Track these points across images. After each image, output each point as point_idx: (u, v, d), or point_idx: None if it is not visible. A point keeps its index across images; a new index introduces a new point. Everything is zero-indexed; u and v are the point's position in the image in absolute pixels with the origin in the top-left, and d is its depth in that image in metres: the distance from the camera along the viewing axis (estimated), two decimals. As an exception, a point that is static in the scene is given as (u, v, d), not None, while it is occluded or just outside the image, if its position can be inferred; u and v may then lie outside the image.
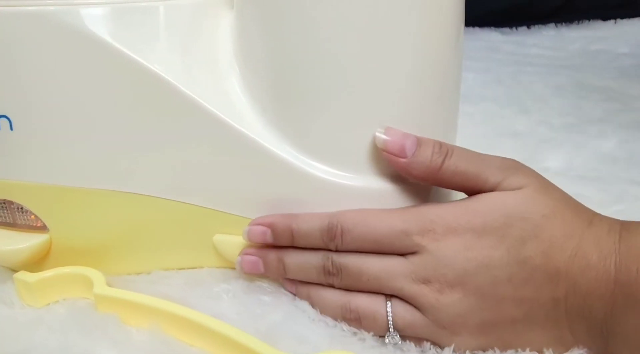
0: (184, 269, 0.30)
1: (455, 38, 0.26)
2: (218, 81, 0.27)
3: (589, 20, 0.98)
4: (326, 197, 0.26)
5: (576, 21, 0.98)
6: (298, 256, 0.26)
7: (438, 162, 0.24)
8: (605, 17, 0.96)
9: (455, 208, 0.24)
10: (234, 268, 0.30)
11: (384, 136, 0.25)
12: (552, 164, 0.41)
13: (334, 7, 0.24)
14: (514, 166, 0.24)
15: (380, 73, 0.25)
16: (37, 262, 0.28)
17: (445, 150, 0.24)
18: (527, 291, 0.23)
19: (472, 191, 0.24)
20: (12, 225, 0.28)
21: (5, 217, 0.28)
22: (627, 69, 0.67)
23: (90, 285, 0.26)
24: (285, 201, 0.27)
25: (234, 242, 0.28)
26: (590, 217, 0.23)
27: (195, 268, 0.30)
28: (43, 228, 0.28)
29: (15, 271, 0.28)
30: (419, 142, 0.25)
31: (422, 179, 0.25)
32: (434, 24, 0.25)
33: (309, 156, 0.26)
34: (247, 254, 0.27)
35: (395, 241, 0.24)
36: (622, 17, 0.95)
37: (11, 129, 0.25)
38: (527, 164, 0.41)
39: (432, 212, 0.24)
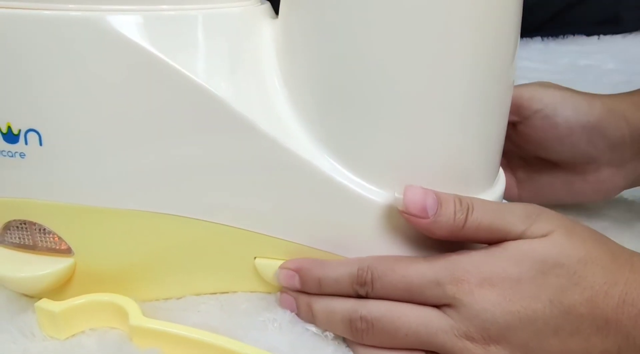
0: (215, 293, 0.28)
1: (512, 55, 0.26)
2: (265, 96, 0.25)
3: (574, 35, 1.01)
4: (374, 220, 0.25)
5: (561, 36, 1.01)
6: (326, 304, 0.25)
7: (461, 220, 0.23)
8: (588, 33, 0.99)
9: (487, 257, 0.23)
10: (268, 292, 0.28)
11: (403, 197, 0.23)
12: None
13: (386, 24, 0.23)
14: (536, 212, 0.24)
15: (436, 90, 0.24)
16: (59, 288, 0.26)
17: (467, 205, 0.23)
18: (576, 344, 0.22)
19: (495, 243, 0.24)
20: (31, 248, 0.25)
21: (24, 239, 0.25)
22: (618, 86, 0.69)
23: (122, 314, 0.24)
24: (332, 223, 0.26)
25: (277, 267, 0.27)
26: (629, 258, 0.23)
27: (228, 292, 0.28)
28: (67, 251, 0.25)
29: (34, 298, 0.25)
30: (440, 200, 0.23)
31: (445, 237, 0.24)
32: (490, 43, 0.24)
33: (360, 176, 0.25)
34: (282, 292, 0.27)
35: (426, 291, 0.23)
36: (604, 34, 0.98)
37: (40, 144, 0.23)
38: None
39: (464, 261, 0.23)
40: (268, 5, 0.30)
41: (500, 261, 0.23)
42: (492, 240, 0.24)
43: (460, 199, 0.24)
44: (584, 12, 1.01)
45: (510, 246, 0.23)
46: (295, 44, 0.26)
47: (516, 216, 0.23)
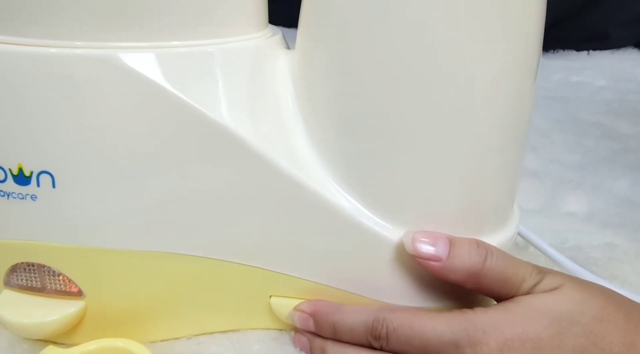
0: (227, 332, 0.28)
1: (530, 99, 0.25)
2: (283, 132, 0.25)
3: (564, 50, 1.02)
4: (391, 259, 0.25)
5: (552, 50, 1.02)
6: (340, 351, 0.24)
7: (479, 263, 0.23)
8: (578, 49, 1.01)
9: (503, 314, 0.22)
10: (281, 329, 0.28)
11: (412, 241, 0.23)
12: (575, 208, 0.41)
13: (408, 67, 0.22)
14: (544, 268, 0.24)
15: (457, 133, 0.23)
16: (68, 331, 0.25)
17: (485, 250, 0.23)
18: None
19: (506, 296, 0.23)
20: (39, 290, 0.24)
21: (32, 281, 0.24)
22: (611, 103, 0.70)
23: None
24: (349, 261, 0.25)
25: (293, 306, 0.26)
26: None
27: (239, 329, 0.28)
28: (78, 294, 0.24)
29: (41, 341, 0.24)
30: (452, 243, 0.23)
31: (461, 282, 0.23)
32: (509, 92, 0.24)
33: (378, 214, 0.24)
34: (297, 331, 0.26)
35: (443, 351, 0.22)
36: (594, 49, 1.00)
37: (53, 186, 0.22)
38: (552, 208, 0.42)
39: (481, 321, 0.22)
40: (281, 35, 0.29)
41: (518, 319, 0.22)
42: (504, 292, 0.23)
43: (477, 243, 0.23)
44: (573, 29, 1.03)
45: (523, 302, 0.22)
46: (314, 79, 0.25)
47: (528, 269, 0.23)
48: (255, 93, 0.25)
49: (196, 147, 0.23)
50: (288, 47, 0.29)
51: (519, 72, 0.23)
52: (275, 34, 0.29)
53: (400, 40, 0.22)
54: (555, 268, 0.34)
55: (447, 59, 0.22)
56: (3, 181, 0.22)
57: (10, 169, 0.22)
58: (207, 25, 0.24)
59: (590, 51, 0.95)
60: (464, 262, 0.23)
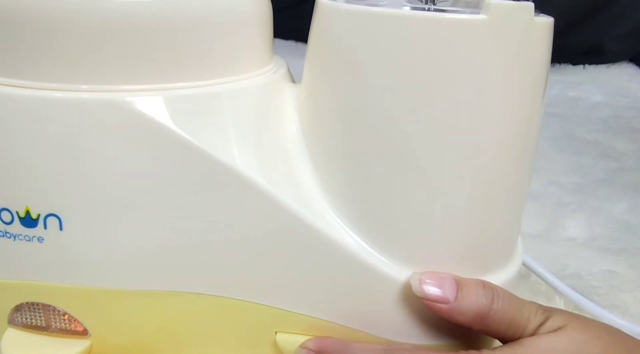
0: (231, 366, 0.28)
1: (535, 140, 0.26)
2: (290, 171, 0.25)
3: (560, 63, 1.03)
4: (397, 298, 0.25)
5: (548, 64, 1.03)
6: None
7: (486, 305, 0.23)
8: (574, 62, 1.02)
9: None
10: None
11: (420, 283, 0.23)
12: (575, 233, 0.41)
13: (413, 103, 0.22)
14: (547, 307, 0.24)
15: (465, 175, 0.23)
16: (72, 370, 0.25)
17: (491, 291, 0.23)
18: None
19: (512, 337, 0.23)
20: (44, 328, 0.24)
21: (36, 319, 0.24)
22: (607, 120, 0.71)
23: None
24: (355, 299, 0.25)
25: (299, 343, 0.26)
26: None
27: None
28: (83, 333, 0.24)
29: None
30: (459, 284, 0.23)
31: (468, 324, 0.23)
32: (514, 136, 0.24)
33: (384, 253, 0.24)
34: None
35: None
36: (590, 63, 1.01)
37: (60, 228, 0.22)
38: (552, 233, 0.42)
39: None
40: (286, 69, 0.29)
41: None
42: (510, 333, 0.23)
43: (484, 284, 0.23)
44: (570, 43, 1.04)
45: (529, 343, 0.22)
46: (320, 116, 0.25)
47: (533, 310, 0.23)
48: (261, 132, 0.25)
49: (203, 188, 0.23)
50: (293, 81, 0.29)
51: (525, 115, 0.23)
52: (280, 67, 0.29)
53: (407, 83, 0.22)
54: (557, 297, 0.34)
55: (454, 104, 0.22)
56: (10, 223, 0.22)
57: (17, 212, 0.22)
58: (213, 66, 0.24)
59: (586, 65, 0.96)
60: (471, 304, 0.23)
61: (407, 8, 0.25)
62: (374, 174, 0.24)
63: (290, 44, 1.02)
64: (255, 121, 0.25)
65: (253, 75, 0.26)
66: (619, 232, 0.42)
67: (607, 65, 0.95)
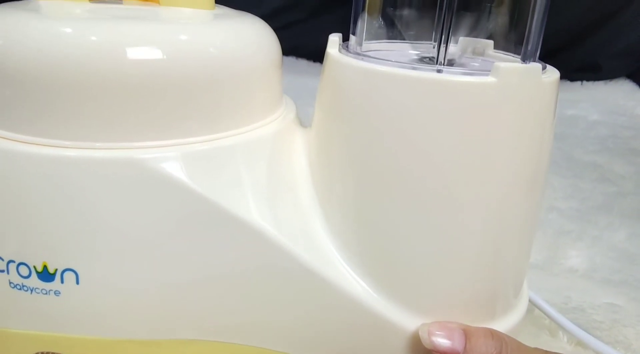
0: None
1: (541, 194, 0.26)
2: (301, 219, 0.25)
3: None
4: (404, 346, 0.25)
5: (546, 80, 1.04)
6: None
7: None
8: (572, 79, 1.03)
9: None
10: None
11: (428, 334, 0.23)
12: (576, 262, 0.42)
13: (426, 158, 0.23)
14: (553, 352, 0.24)
15: (474, 227, 0.24)
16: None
17: (500, 341, 0.23)
18: None
19: None
20: (57, 377, 0.25)
21: (50, 368, 0.25)
22: (605, 140, 0.72)
23: None
24: (362, 347, 0.26)
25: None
26: None
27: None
28: (97, 381, 0.25)
29: None
30: (468, 334, 0.24)
31: None
32: (520, 195, 0.24)
33: (392, 301, 0.25)
34: None
35: None
36: (587, 80, 1.02)
37: (77, 282, 0.22)
38: (553, 263, 0.43)
39: None
40: (295, 113, 0.30)
41: None
42: None
43: (492, 334, 0.24)
44: (567, 59, 1.05)
45: None
46: (330, 165, 0.26)
47: None
48: (273, 181, 0.25)
49: (218, 240, 0.23)
50: (302, 125, 0.30)
51: (534, 166, 0.24)
52: (290, 111, 0.29)
53: (417, 139, 0.23)
54: (560, 332, 0.35)
55: (463, 159, 0.23)
56: (27, 277, 0.22)
57: (34, 267, 0.22)
58: (226, 119, 0.24)
59: (584, 81, 0.97)
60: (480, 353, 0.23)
61: (416, 63, 0.25)
62: (382, 223, 0.25)
63: (291, 60, 1.03)
64: (268, 171, 0.25)
65: (265, 122, 0.26)
66: (620, 262, 0.43)
67: (604, 81, 0.96)
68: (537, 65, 0.21)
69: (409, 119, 0.22)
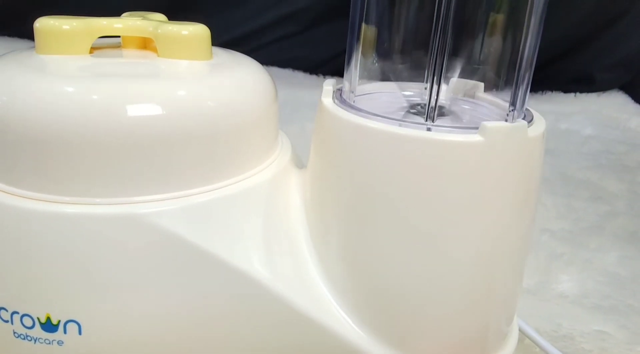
0: None
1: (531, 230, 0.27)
2: (296, 264, 0.26)
3: (552, 91, 1.05)
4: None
5: (540, 91, 1.05)
6: None
7: None
8: (565, 90, 1.04)
9: None
10: None
11: None
12: (567, 287, 0.43)
13: (414, 210, 0.24)
14: None
15: (466, 273, 0.25)
16: None
17: None
18: None
19: None
20: None
21: (54, 412, 0.25)
22: (598, 156, 0.72)
23: None
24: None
25: None
26: None
27: None
28: None
29: None
30: None
31: None
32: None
33: (387, 345, 0.26)
34: None
35: None
36: (580, 92, 1.03)
37: (80, 333, 0.23)
38: (545, 288, 0.44)
39: None
40: (290, 152, 0.30)
41: None
42: None
43: None
44: (561, 71, 1.06)
45: None
46: (324, 208, 0.27)
47: None
48: (270, 227, 0.26)
49: (217, 290, 0.24)
50: (298, 164, 0.31)
51: (522, 215, 0.25)
52: (286, 151, 0.30)
53: (405, 192, 0.23)
54: (550, 361, 0.36)
55: (451, 212, 0.23)
56: (31, 328, 0.23)
57: (38, 318, 0.23)
58: (225, 169, 0.25)
59: (577, 93, 0.98)
60: None
61: (407, 113, 0.26)
62: (373, 266, 0.25)
63: (287, 73, 1.04)
64: (265, 217, 0.26)
65: (262, 167, 0.27)
66: (610, 286, 0.44)
67: (597, 93, 0.97)
68: (524, 123, 0.22)
69: (399, 173, 0.23)
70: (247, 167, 0.26)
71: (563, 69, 0.99)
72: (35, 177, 0.22)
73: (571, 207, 0.57)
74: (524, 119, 0.24)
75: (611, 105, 0.94)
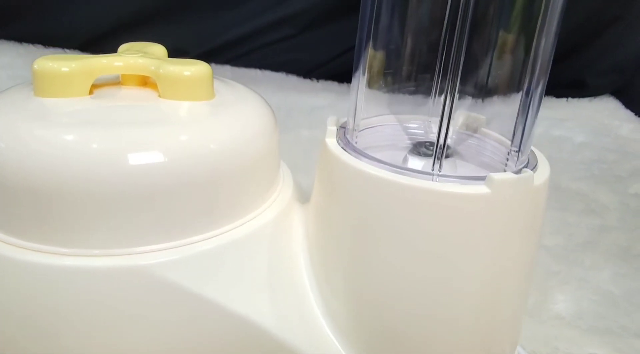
0: None
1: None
2: (299, 308, 0.26)
3: (544, 95, 1.05)
4: None
5: (533, 96, 1.06)
6: None
7: None
8: (557, 95, 1.05)
9: None
10: None
11: None
12: (563, 308, 0.43)
13: (417, 257, 0.23)
14: None
15: (467, 316, 0.25)
16: None
17: None
18: None
19: None
20: None
21: None
22: (591, 166, 0.73)
23: None
24: None
25: None
26: None
27: None
28: None
29: None
30: None
31: None
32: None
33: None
34: None
35: None
36: (572, 97, 1.03)
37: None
38: (542, 308, 0.44)
39: None
40: (292, 187, 0.30)
41: None
42: None
43: None
44: (553, 76, 1.06)
45: None
46: (327, 250, 0.26)
47: None
48: (273, 268, 0.26)
49: (222, 336, 0.24)
50: (300, 198, 0.30)
51: (525, 259, 0.25)
52: (287, 185, 0.30)
53: (409, 239, 0.23)
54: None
55: (455, 261, 0.23)
56: (33, 379, 0.23)
57: (40, 370, 0.23)
58: (228, 214, 0.25)
59: (569, 98, 0.99)
60: None
61: (412, 153, 0.26)
62: (378, 310, 0.25)
63: (281, 77, 1.03)
64: (269, 260, 0.26)
65: (265, 206, 0.27)
66: (604, 306, 0.44)
67: (589, 98, 0.98)
68: (530, 174, 0.22)
69: (405, 220, 0.23)
70: (251, 208, 0.26)
71: (556, 73, 0.98)
72: (32, 228, 0.22)
73: (565, 221, 0.58)
74: (528, 162, 0.24)
75: (603, 110, 0.94)
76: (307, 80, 1.03)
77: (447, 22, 0.26)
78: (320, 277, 0.27)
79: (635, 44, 0.97)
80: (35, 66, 0.24)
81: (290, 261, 0.27)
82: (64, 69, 0.24)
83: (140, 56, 0.26)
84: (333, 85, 1.00)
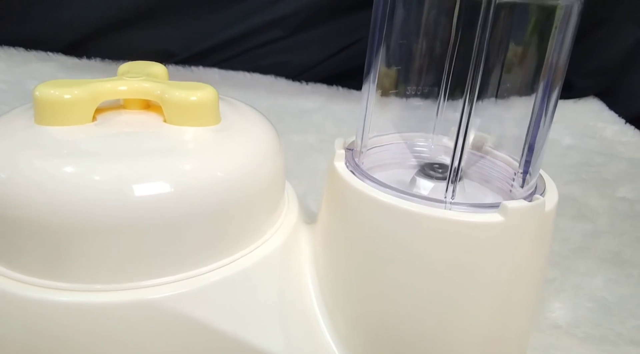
0: None
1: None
2: (310, 334, 0.26)
3: (527, 96, 1.07)
4: None
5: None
6: None
7: None
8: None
9: None
10: None
11: None
12: (560, 316, 0.44)
13: (427, 285, 0.24)
14: None
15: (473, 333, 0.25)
16: None
17: None
18: None
19: None
20: None
21: None
22: (579, 169, 0.74)
23: None
24: None
25: None
26: None
27: None
28: None
29: None
30: None
31: None
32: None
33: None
34: None
35: None
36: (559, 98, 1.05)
37: None
38: (539, 316, 0.45)
39: None
40: (298, 208, 0.30)
41: None
42: None
43: None
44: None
45: None
46: (336, 272, 0.26)
47: None
48: (284, 297, 0.26)
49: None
50: (306, 219, 0.30)
51: (534, 283, 0.25)
52: (293, 206, 0.29)
53: (419, 266, 0.23)
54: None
55: (465, 289, 0.23)
56: (41, 417, 0.22)
57: (48, 408, 0.22)
58: (236, 242, 0.24)
59: (555, 99, 1.00)
60: None
61: (422, 175, 0.26)
62: (389, 335, 0.25)
63: (270, 79, 1.02)
64: (278, 286, 0.25)
65: (273, 231, 0.27)
66: (599, 313, 0.45)
67: (574, 100, 0.99)
68: (542, 201, 0.22)
69: (416, 247, 0.23)
70: (259, 234, 0.25)
71: (542, 75, 1.00)
72: (34, 262, 0.21)
73: (559, 227, 0.59)
74: (536, 187, 0.25)
75: (587, 112, 0.96)
76: (297, 83, 1.02)
77: (455, 42, 0.26)
78: (329, 304, 0.27)
79: (620, 46, 0.99)
80: (37, 93, 0.23)
81: (300, 287, 0.27)
82: (67, 97, 0.23)
83: (144, 80, 0.25)
84: (322, 88, 0.99)
